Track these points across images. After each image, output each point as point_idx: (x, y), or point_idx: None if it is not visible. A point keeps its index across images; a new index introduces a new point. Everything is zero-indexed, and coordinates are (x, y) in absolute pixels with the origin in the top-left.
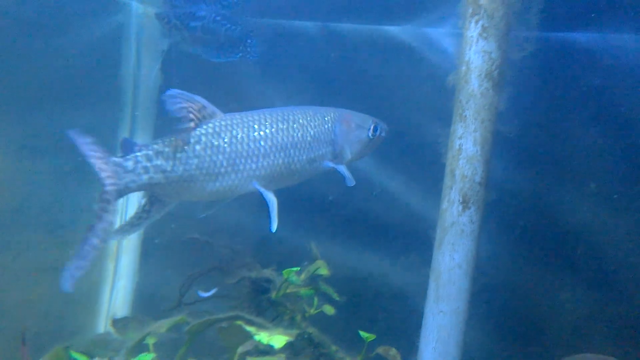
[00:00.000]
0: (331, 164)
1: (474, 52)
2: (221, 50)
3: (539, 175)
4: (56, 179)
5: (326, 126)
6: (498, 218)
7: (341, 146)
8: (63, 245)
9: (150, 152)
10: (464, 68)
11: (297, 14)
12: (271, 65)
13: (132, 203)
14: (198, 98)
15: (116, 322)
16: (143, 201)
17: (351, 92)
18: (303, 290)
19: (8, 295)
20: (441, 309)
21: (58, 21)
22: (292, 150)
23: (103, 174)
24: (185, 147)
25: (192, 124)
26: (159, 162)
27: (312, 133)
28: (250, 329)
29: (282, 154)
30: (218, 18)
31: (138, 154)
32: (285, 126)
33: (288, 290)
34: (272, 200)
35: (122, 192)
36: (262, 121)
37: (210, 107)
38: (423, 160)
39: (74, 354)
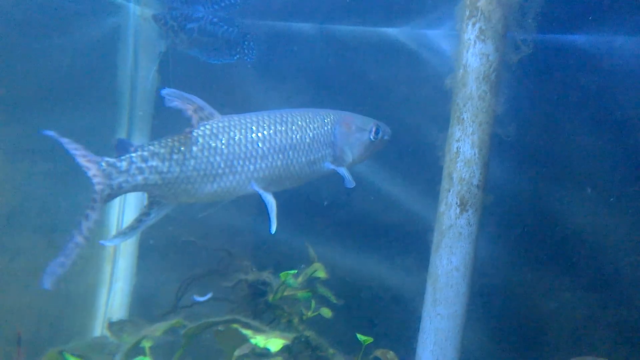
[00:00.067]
0: (332, 166)
1: (471, 55)
2: (218, 52)
3: (538, 178)
4: (52, 181)
5: (325, 128)
6: (497, 220)
7: (341, 148)
8: (59, 247)
9: (146, 153)
10: (461, 71)
11: (295, 15)
12: (269, 67)
13: (130, 205)
14: (195, 99)
15: (112, 325)
16: (145, 203)
17: (349, 94)
18: (300, 293)
19: (4, 297)
20: (439, 312)
21: (55, 22)
22: (290, 152)
23: (89, 172)
24: (182, 149)
25: (192, 118)
26: (154, 163)
27: (311, 135)
28: (246, 332)
29: (280, 155)
30: (215, 20)
31: (133, 154)
32: (283, 128)
33: (285, 293)
34: (271, 202)
35: (115, 193)
36: (260, 123)
37: (208, 109)
38: (421, 162)
39: (69, 358)
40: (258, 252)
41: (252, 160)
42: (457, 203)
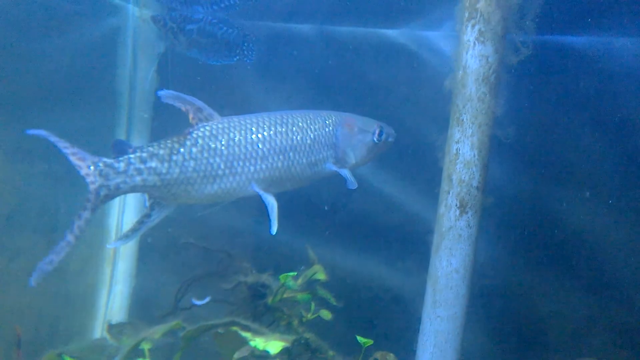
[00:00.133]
0: (334, 167)
1: (470, 56)
2: (218, 53)
3: (538, 179)
4: (51, 182)
5: (327, 129)
6: (497, 222)
7: (343, 150)
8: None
9: (145, 154)
10: (460, 72)
11: (295, 16)
12: (268, 68)
13: (130, 206)
14: (194, 100)
15: (111, 328)
16: (146, 205)
17: (349, 95)
18: (300, 295)
19: (3, 298)
20: (438, 314)
21: (54, 23)
22: (291, 153)
23: (82, 171)
24: (182, 150)
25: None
26: (153, 165)
27: (312, 136)
28: (246, 334)
29: (281, 156)
30: (214, 21)
31: (131, 155)
32: (284, 129)
33: (285, 295)
34: (272, 203)
35: (113, 193)
36: (261, 124)
37: (207, 110)
38: (421, 163)
39: None
40: (258, 253)
41: (252, 162)
42: (456, 205)
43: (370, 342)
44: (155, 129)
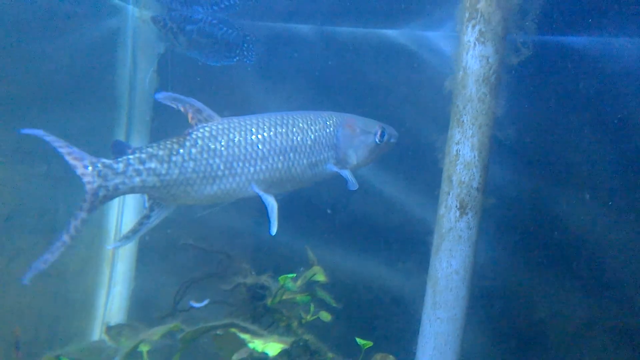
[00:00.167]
0: (334, 168)
1: (471, 57)
2: (218, 54)
3: (538, 180)
4: (51, 183)
5: (328, 130)
6: (497, 223)
7: (345, 151)
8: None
9: (144, 155)
10: (461, 73)
11: (295, 17)
12: (269, 69)
13: (129, 207)
14: (193, 101)
15: (110, 330)
16: (146, 205)
17: (349, 96)
18: (299, 297)
19: (3, 299)
20: (438, 315)
21: (54, 24)
22: (291, 154)
23: (78, 171)
24: (181, 151)
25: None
26: (152, 165)
27: (312, 137)
28: (244, 336)
29: (281, 157)
30: (214, 21)
31: (130, 156)
32: (284, 130)
33: (284, 297)
34: (272, 203)
35: (111, 194)
36: (261, 125)
37: (207, 111)
38: (421, 164)
39: None
40: (258, 254)
41: (252, 162)
42: (456, 206)
43: (369, 343)
44: (155, 129)
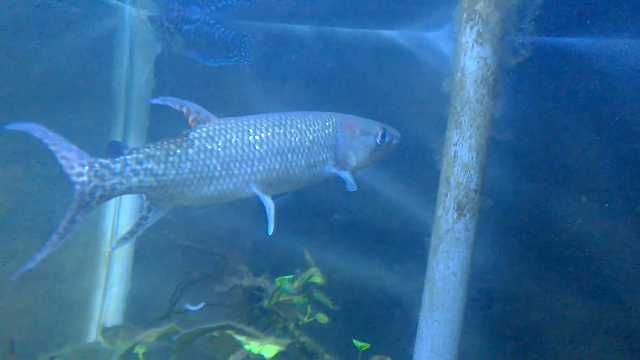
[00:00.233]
0: (333, 170)
1: (469, 58)
2: (215, 54)
3: (536, 182)
4: (47, 185)
5: (327, 131)
6: (495, 225)
7: (344, 152)
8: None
9: (141, 156)
10: (459, 74)
11: (293, 18)
12: (267, 69)
13: (125, 208)
14: (190, 104)
15: (105, 331)
16: (145, 206)
17: (348, 96)
18: (296, 299)
19: None
20: (435, 318)
21: (50, 24)
22: (289, 155)
23: (68, 170)
24: (178, 151)
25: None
26: (149, 166)
27: (310, 138)
28: (240, 338)
29: (278, 158)
30: (212, 22)
31: (127, 157)
32: (282, 131)
33: (281, 299)
34: (270, 204)
35: (108, 194)
36: (258, 125)
37: (204, 112)
38: (420, 165)
39: None
40: (256, 255)
41: (249, 163)
42: (454, 207)
43: (367, 345)
44: (152, 129)
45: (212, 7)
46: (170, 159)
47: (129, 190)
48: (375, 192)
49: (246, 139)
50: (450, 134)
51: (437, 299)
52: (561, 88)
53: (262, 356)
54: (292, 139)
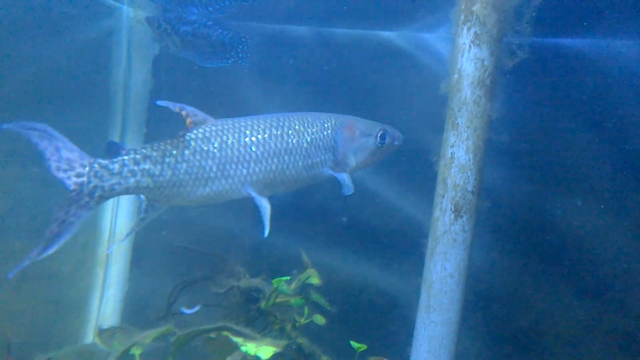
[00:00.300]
0: (329, 172)
1: (466, 60)
2: (213, 55)
3: (534, 183)
4: (43, 186)
5: (325, 133)
6: (493, 226)
7: (343, 153)
8: (50, 253)
9: (138, 156)
10: (456, 76)
11: (292, 18)
12: (264, 70)
13: (123, 209)
14: (187, 107)
15: (102, 333)
16: (143, 207)
17: (346, 97)
18: (293, 300)
19: None
20: (432, 319)
21: (48, 25)
22: (286, 157)
23: (75, 171)
24: (174, 152)
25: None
26: (146, 166)
27: (308, 139)
28: (237, 339)
29: (275, 159)
30: (209, 23)
31: (125, 157)
32: (279, 132)
33: (278, 300)
34: (265, 206)
35: (107, 195)
36: (255, 127)
37: (201, 114)
38: (418, 166)
39: None
40: (254, 256)
41: (245, 164)
42: (451, 209)
43: (364, 347)
44: (150, 130)
45: (210, 8)
46: (167, 159)
47: (127, 191)
48: (372, 194)
49: (242, 140)
50: (448, 135)
51: (434, 300)
52: (558, 89)
53: (259, 358)
54: (290, 140)
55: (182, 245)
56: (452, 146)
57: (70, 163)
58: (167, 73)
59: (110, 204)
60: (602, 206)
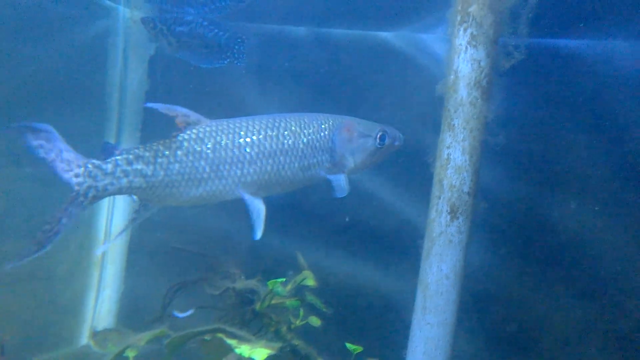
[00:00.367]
0: (323, 173)
1: (462, 61)
2: (208, 56)
3: (531, 184)
4: (39, 187)
5: (322, 134)
6: (490, 227)
7: (341, 155)
8: (45, 253)
9: (131, 157)
10: (452, 77)
11: (289, 19)
12: (262, 71)
13: (118, 209)
14: (179, 108)
15: (96, 335)
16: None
17: (344, 98)
18: (289, 302)
19: None
20: (428, 320)
21: (44, 26)
22: (281, 158)
23: (72, 172)
24: (167, 153)
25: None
26: (139, 167)
27: (305, 140)
28: (231, 341)
29: (270, 160)
30: (205, 23)
31: (118, 157)
32: (274, 133)
33: (273, 302)
34: (259, 207)
35: (100, 195)
36: (250, 128)
37: (194, 115)
38: (415, 167)
39: None
40: (250, 257)
41: (240, 165)
42: (447, 210)
43: (359, 349)
44: (146, 131)
45: (206, 9)
46: (159, 160)
47: (119, 191)
48: (369, 195)
49: (236, 141)
50: (444, 136)
51: (430, 301)
52: (555, 90)
53: None
54: (285, 141)
55: (177, 246)
56: (449, 147)
57: (69, 164)
58: (163, 73)
59: (106, 204)
60: (598, 207)
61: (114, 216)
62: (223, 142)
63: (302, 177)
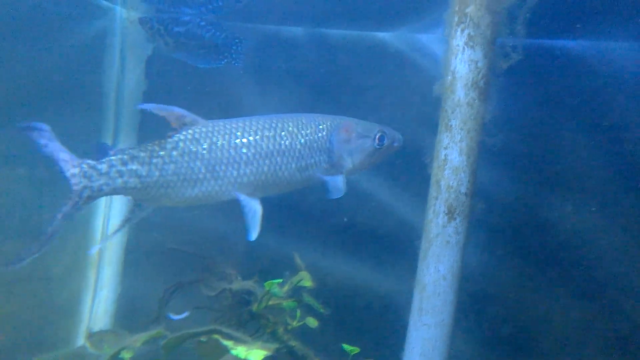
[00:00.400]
0: (318, 174)
1: (459, 61)
2: (206, 56)
3: (528, 185)
4: (36, 188)
5: (320, 134)
6: (487, 228)
7: (339, 155)
8: (42, 254)
9: (126, 157)
10: (449, 77)
11: (286, 19)
12: (260, 72)
13: (115, 210)
14: (175, 109)
15: (92, 336)
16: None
17: (342, 98)
18: (286, 303)
19: None
20: (425, 321)
21: (41, 26)
22: (278, 158)
23: (68, 172)
24: (162, 153)
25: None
26: (134, 167)
27: (302, 141)
28: (227, 343)
29: (266, 161)
30: (202, 23)
31: (113, 157)
32: (271, 133)
33: (270, 303)
34: (254, 208)
35: (95, 195)
36: (247, 128)
37: (190, 116)
38: (413, 168)
39: None
40: (247, 258)
41: (236, 166)
42: (444, 211)
43: (356, 350)
44: (143, 131)
45: (203, 9)
46: (154, 160)
47: (114, 191)
48: (366, 195)
49: (233, 141)
50: (441, 137)
51: (427, 302)
52: (552, 91)
53: None
54: (282, 142)
55: (174, 246)
56: (446, 148)
57: (66, 164)
58: (161, 74)
59: (102, 205)
60: (596, 208)
61: (110, 217)
62: (219, 143)
63: (299, 177)
